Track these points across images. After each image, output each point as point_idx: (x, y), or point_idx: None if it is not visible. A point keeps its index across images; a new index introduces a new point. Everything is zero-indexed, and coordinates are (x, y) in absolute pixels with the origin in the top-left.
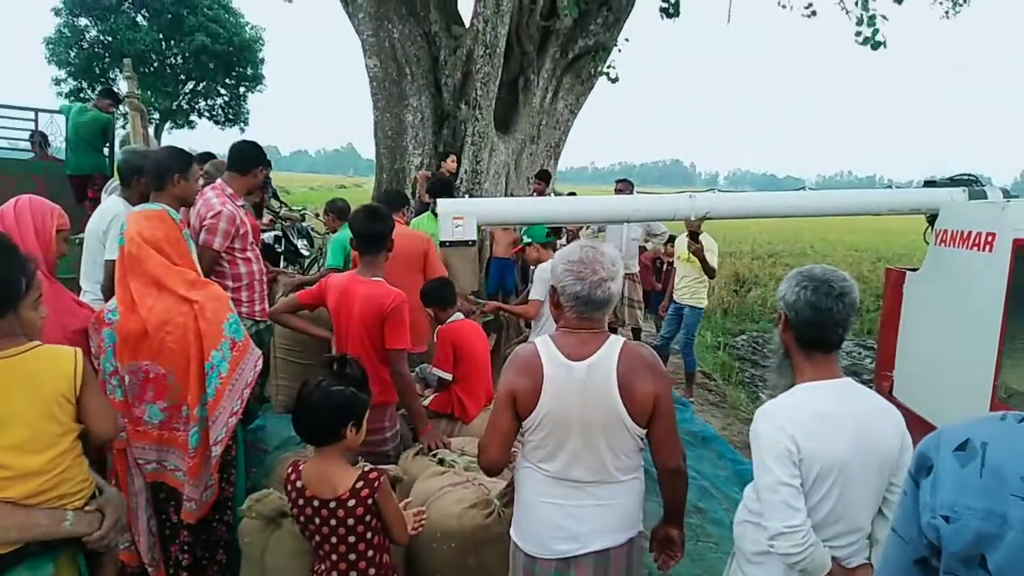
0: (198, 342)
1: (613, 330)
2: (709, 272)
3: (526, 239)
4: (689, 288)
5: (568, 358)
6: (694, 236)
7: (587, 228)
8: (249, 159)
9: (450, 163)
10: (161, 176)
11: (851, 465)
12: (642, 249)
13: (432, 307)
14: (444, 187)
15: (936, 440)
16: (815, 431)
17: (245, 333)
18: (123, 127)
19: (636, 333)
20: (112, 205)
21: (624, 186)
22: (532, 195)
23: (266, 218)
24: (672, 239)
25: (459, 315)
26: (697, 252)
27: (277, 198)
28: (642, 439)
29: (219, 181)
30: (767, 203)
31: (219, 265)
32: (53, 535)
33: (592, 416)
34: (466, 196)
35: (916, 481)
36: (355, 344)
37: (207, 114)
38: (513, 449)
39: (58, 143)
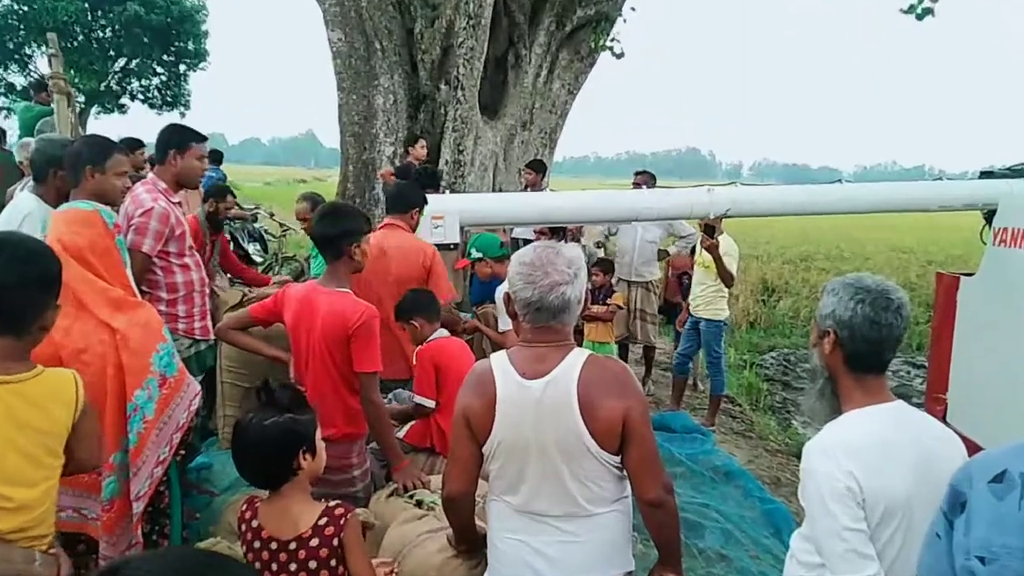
0: (119, 377)
1: (625, 347)
2: (726, 278)
3: (475, 253)
4: (705, 298)
5: (523, 376)
6: (710, 231)
7: (593, 230)
8: (172, 144)
9: (419, 149)
10: (74, 169)
11: (915, 503)
12: (663, 254)
13: (417, 320)
14: (430, 178)
15: (968, 472)
16: (876, 465)
17: (179, 367)
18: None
19: (649, 351)
20: (23, 203)
21: (643, 179)
22: (524, 189)
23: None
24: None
25: (443, 332)
26: (712, 249)
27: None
28: (618, 467)
29: (150, 175)
30: (798, 198)
31: (151, 273)
32: (23, 575)
33: (550, 441)
34: (447, 191)
35: (950, 520)
36: (316, 367)
37: (141, 96)
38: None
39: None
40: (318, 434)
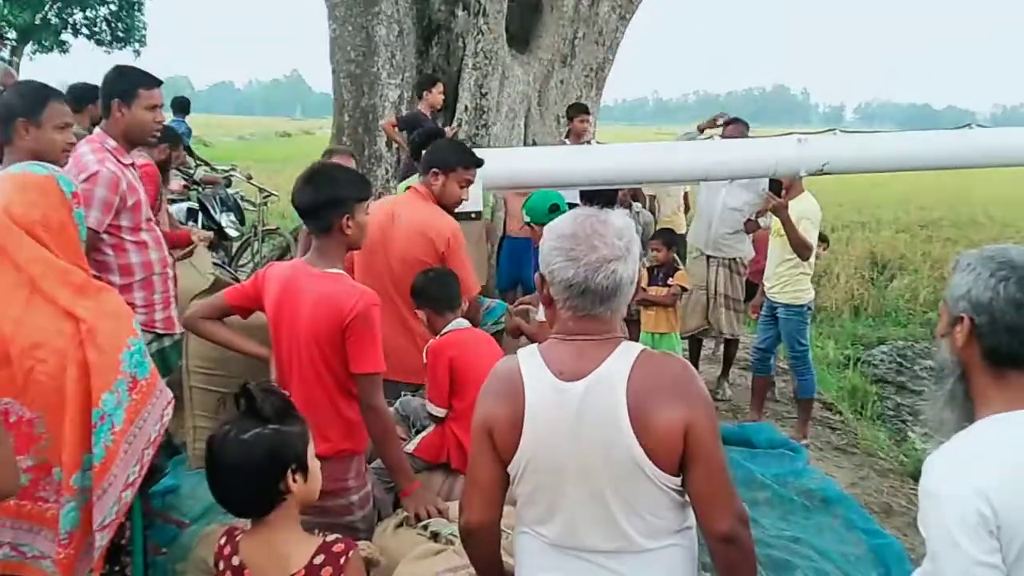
0: (83, 379)
1: (697, 341)
2: (797, 247)
3: (526, 216)
4: (781, 277)
5: (559, 377)
6: (776, 187)
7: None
8: (116, 91)
9: (435, 94)
10: (4, 124)
11: None
12: (753, 226)
13: (426, 309)
14: (433, 139)
15: None
16: (1016, 486)
17: (151, 367)
18: None
19: (730, 346)
20: None
21: (736, 130)
22: (565, 141)
23: (176, 183)
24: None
25: (461, 322)
26: (779, 210)
27: (191, 153)
28: (676, 490)
29: (98, 131)
30: (916, 149)
31: (99, 252)
32: None
33: (594, 459)
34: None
35: None
36: (303, 367)
37: (85, 31)
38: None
39: None
40: (310, 448)
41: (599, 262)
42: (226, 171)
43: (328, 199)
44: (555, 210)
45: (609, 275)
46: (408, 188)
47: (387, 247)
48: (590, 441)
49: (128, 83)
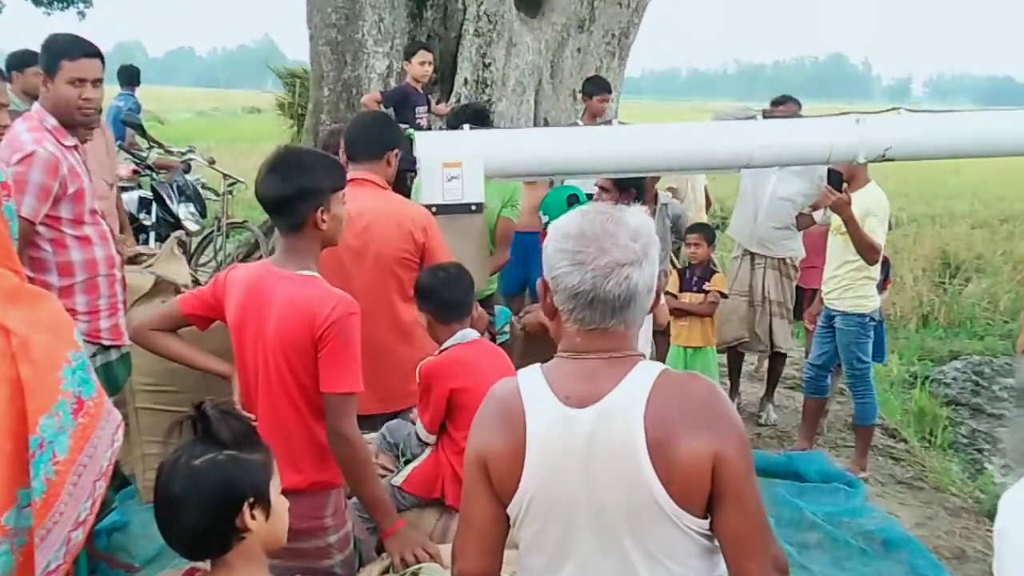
0: (16, 401)
1: (738, 355)
2: (863, 249)
3: (543, 217)
4: (841, 281)
5: (565, 402)
6: (837, 179)
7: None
8: (43, 62)
9: (415, 66)
10: None
11: None
12: (806, 221)
13: (428, 314)
14: (480, 117)
15: None
16: None
17: (97, 386)
18: None
19: (776, 362)
20: None
21: (786, 111)
22: (579, 122)
23: (125, 168)
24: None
25: (468, 334)
26: (839, 206)
27: (143, 133)
28: (704, 534)
29: (36, 107)
30: (996, 130)
31: (35, 248)
32: None
33: (607, 498)
34: (465, 126)
35: None
36: (272, 385)
37: None
38: None
39: None
40: (274, 482)
41: (610, 267)
42: (184, 154)
43: (298, 190)
44: (575, 202)
45: (621, 282)
46: (350, 180)
47: (354, 251)
48: (603, 477)
49: (52, 53)
